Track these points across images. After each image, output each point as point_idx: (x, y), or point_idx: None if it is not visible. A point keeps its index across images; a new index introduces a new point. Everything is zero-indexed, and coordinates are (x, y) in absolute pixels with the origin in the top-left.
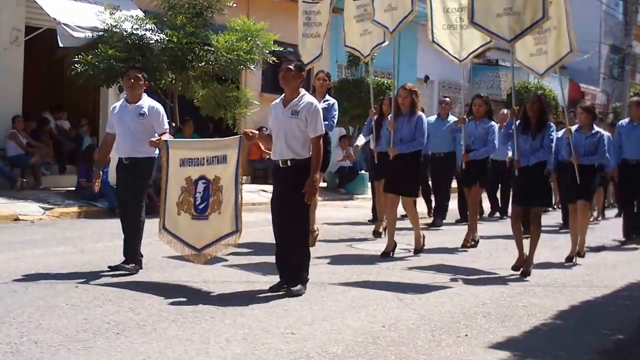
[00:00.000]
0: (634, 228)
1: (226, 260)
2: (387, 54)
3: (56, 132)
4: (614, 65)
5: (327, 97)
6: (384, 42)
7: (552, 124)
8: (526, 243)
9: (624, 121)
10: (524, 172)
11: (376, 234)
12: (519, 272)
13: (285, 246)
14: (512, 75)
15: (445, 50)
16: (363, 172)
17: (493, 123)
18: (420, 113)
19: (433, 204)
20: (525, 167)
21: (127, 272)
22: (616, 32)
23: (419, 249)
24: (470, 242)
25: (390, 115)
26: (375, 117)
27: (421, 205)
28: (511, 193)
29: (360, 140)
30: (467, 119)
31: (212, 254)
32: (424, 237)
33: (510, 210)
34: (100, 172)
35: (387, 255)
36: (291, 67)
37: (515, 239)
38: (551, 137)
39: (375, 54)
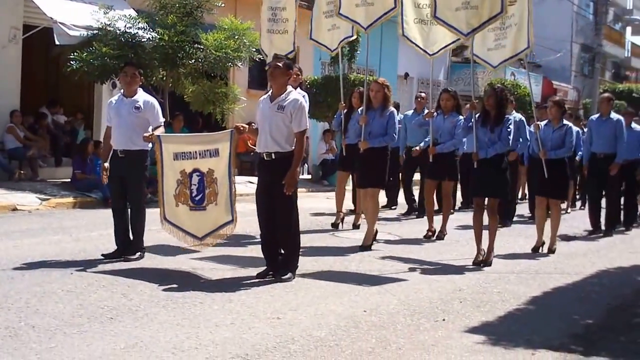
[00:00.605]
0: (608, 223)
1: (215, 248)
2: (369, 51)
3: (52, 126)
4: (584, 63)
5: (299, 90)
6: (351, 36)
7: (510, 117)
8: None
9: (594, 116)
10: (482, 164)
11: (334, 226)
12: (480, 267)
13: (270, 235)
14: (472, 69)
15: (415, 44)
16: None
17: (461, 117)
18: (392, 108)
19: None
20: (484, 160)
21: (130, 261)
22: (587, 32)
23: (367, 246)
24: (428, 233)
25: (361, 109)
26: (345, 110)
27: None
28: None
29: None
30: (435, 113)
31: (212, 242)
32: (376, 233)
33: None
34: (105, 165)
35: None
36: (280, 64)
37: (474, 231)
38: (509, 129)
39: (358, 51)
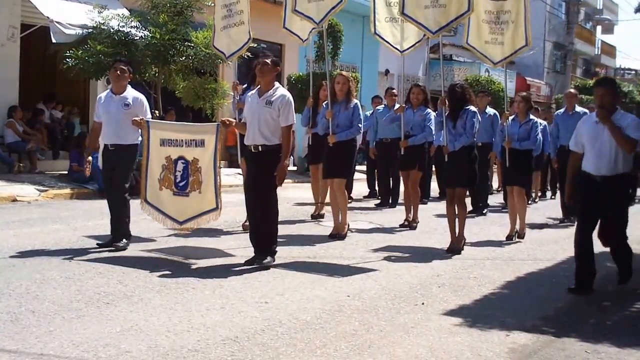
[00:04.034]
0: (574, 211)
1: (205, 236)
2: (351, 49)
3: (50, 121)
4: (557, 60)
5: None
6: (317, 27)
7: (472, 110)
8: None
9: (561, 111)
10: (451, 157)
11: (314, 217)
12: (453, 254)
13: (257, 222)
14: (441, 66)
15: (387, 42)
16: None
17: (429, 110)
18: (356, 100)
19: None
20: (453, 152)
21: (119, 249)
22: (559, 30)
23: (342, 235)
24: (405, 222)
25: (326, 102)
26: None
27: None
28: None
29: None
30: (405, 107)
31: (193, 226)
32: (348, 225)
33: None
34: (90, 157)
35: (335, 237)
36: (268, 61)
37: (448, 220)
38: (472, 121)
39: (341, 49)
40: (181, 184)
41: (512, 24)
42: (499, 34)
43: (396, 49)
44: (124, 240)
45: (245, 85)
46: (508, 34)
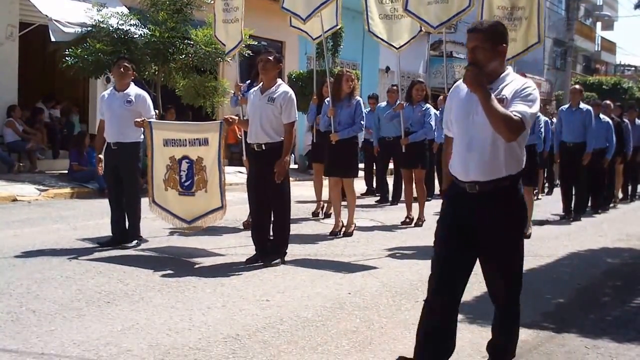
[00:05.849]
0: (577, 208)
1: (207, 235)
2: (351, 46)
3: (49, 120)
4: (557, 57)
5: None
6: (336, 25)
7: None
8: None
9: (565, 107)
10: None
11: (315, 215)
12: None
13: (260, 223)
14: (445, 64)
15: (381, 39)
16: None
17: (428, 105)
18: (358, 98)
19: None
20: None
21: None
22: (559, 27)
23: (349, 233)
24: (406, 219)
25: (327, 99)
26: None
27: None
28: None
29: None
30: (405, 103)
31: (202, 226)
32: (355, 224)
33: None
34: (100, 156)
35: (336, 235)
36: (271, 58)
37: None
38: None
39: (341, 46)
40: (187, 184)
41: (525, 20)
42: (511, 30)
43: (392, 45)
44: (135, 241)
45: (248, 82)
46: (521, 30)
